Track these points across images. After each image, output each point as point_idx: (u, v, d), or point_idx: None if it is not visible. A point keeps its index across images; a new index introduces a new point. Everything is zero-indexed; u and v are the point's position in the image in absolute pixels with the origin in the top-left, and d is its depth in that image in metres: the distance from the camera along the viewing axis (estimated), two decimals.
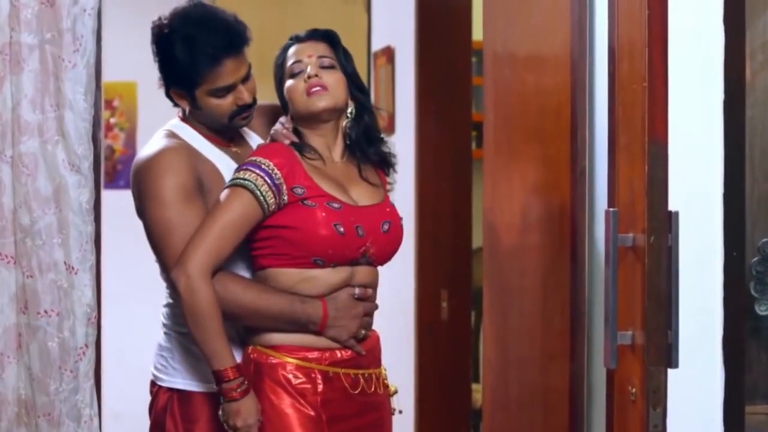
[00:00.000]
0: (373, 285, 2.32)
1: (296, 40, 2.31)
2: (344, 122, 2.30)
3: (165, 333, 2.40)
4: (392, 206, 2.35)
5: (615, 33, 2.15)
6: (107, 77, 6.09)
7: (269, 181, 2.17)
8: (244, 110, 2.28)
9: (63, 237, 2.42)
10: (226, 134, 2.37)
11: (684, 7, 2.27)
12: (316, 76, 2.23)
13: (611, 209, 2.10)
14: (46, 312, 2.42)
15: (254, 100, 2.31)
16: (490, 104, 2.92)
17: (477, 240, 4.24)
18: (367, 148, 2.32)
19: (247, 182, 2.17)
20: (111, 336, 5.18)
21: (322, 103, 2.23)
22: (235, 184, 2.19)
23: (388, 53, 4.41)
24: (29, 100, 2.42)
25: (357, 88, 2.31)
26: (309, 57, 2.26)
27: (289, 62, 2.29)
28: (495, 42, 2.90)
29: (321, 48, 2.28)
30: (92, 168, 2.48)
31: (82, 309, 2.44)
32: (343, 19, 4.52)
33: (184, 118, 2.36)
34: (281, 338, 2.23)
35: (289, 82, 2.28)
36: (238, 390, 2.15)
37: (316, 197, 2.21)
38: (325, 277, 2.24)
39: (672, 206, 2.02)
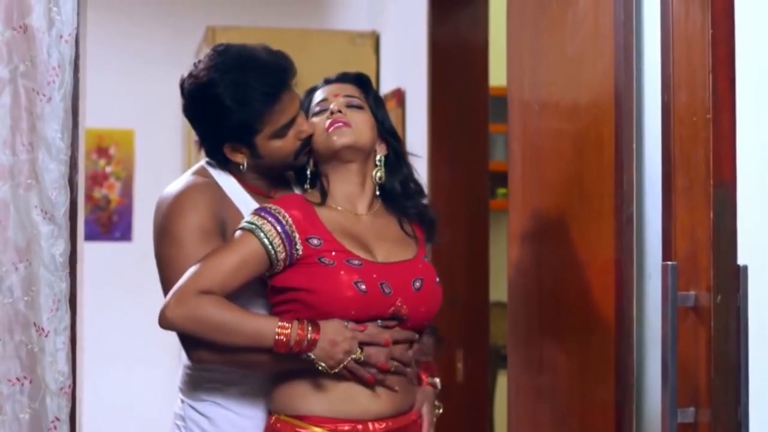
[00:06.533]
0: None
1: (325, 82, 2.25)
2: (375, 171, 2.18)
3: (180, 399, 2.25)
4: (426, 263, 2.19)
5: (670, 58, 1.88)
6: (103, 124, 5.95)
7: (278, 228, 2.05)
8: (307, 144, 2.17)
9: (32, 295, 2.15)
10: (270, 180, 2.24)
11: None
12: (340, 112, 2.13)
13: (669, 263, 1.82)
14: (10, 381, 2.14)
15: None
16: (517, 148, 2.66)
17: (494, 294, 4.10)
18: (404, 202, 2.20)
19: (252, 226, 2.05)
20: (102, 404, 4.95)
21: (342, 139, 2.12)
22: (241, 228, 2.07)
23: (399, 96, 4.22)
24: (0, 141, 2.16)
25: (390, 134, 2.22)
26: (335, 96, 2.19)
27: (314, 101, 2.21)
28: (522, 78, 2.64)
29: (350, 89, 2.21)
30: (68, 216, 2.20)
31: (54, 377, 2.16)
32: (351, 60, 4.38)
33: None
34: (310, 407, 2.05)
35: (311, 122, 2.18)
36: (309, 331, 1.98)
37: (334, 253, 2.06)
38: None
39: None
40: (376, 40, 4.59)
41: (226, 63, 2.10)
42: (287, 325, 1.99)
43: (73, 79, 2.21)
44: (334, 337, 1.99)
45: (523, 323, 2.65)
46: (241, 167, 2.16)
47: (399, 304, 2.07)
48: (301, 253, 2.05)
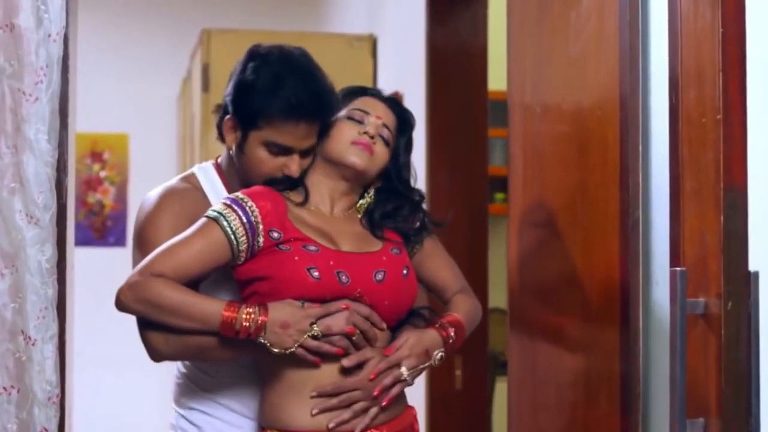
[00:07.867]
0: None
1: (377, 95, 2.21)
2: (363, 202, 2.15)
3: (173, 409, 2.23)
4: (393, 255, 2.11)
5: (678, 56, 1.82)
6: (98, 128, 5.88)
7: (243, 218, 2.02)
8: (283, 182, 2.11)
9: (19, 302, 2.09)
10: None
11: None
12: (372, 138, 2.11)
13: (678, 269, 1.76)
14: None
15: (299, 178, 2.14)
16: (518, 152, 2.60)
17: (492, 300, 4.04)
18: (383, 221, 2.16)
19: (216, 214, 2.03)
20: (94, 413, 4.87)
21: (357, 160, 2.09)
22: (206, 216, 2.05)
23: None
24: None
25: (398, 179, 2.17)
26: (378, 118, 2.14)
27: (354, 106, 2.16)
28: (523, 80, 2.58)
29: (391, 120, 2.17)
30: (55, 220, 2.13)
31: (41, 386, 2.10)
32: (349, 64, 4.32)
33: (218, 165, 2.22)
34: (300, 421, 2.00)
35: (341, 121, 2.13)
36: (257, 314, 1.94)
37: (292, 241, 2.03)
38: None
39: None
40: (373, 43, 4.53)
41: (288, 59, 2.07)
42: (234, 307, 1.95)
43: (61, 80, 2.15)
44: (286, 319, 1.94)
45: (524, 330, 2.59)
46: (230, 151, 2.12)
47: (358, 294, 2.02)
48: (261, 244, 2.01)
